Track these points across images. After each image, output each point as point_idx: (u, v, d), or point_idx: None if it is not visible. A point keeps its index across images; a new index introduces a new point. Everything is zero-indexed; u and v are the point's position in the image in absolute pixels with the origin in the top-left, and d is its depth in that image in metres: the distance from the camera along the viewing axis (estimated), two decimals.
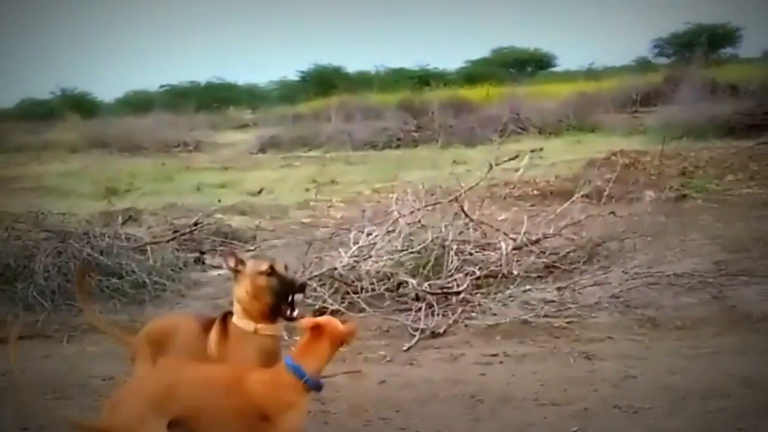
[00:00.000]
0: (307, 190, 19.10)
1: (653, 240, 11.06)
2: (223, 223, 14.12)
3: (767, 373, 6.40)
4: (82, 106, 54.62)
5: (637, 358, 7.02)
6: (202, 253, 12.29)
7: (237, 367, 4.57)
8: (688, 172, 16.62)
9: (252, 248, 12.75)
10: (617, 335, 7.69)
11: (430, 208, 10.79)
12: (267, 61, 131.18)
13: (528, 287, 9.20)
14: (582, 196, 11.72)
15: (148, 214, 15.12)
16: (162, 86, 63.18)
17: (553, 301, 8.73)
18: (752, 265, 9.80)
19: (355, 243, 10.00)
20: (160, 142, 34.38)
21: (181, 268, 11.25)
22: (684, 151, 18.85)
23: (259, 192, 19.36)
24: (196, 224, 13.23)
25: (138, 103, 52.75)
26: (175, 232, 12.73)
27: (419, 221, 10.41)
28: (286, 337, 6.79)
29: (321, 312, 8.84)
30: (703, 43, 45.07)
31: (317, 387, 4.56)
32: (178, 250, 11.93)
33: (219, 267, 11.79)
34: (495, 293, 9.08)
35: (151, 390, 4.24)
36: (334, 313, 8.72)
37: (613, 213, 11.16)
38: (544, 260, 10.15)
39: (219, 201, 17.43)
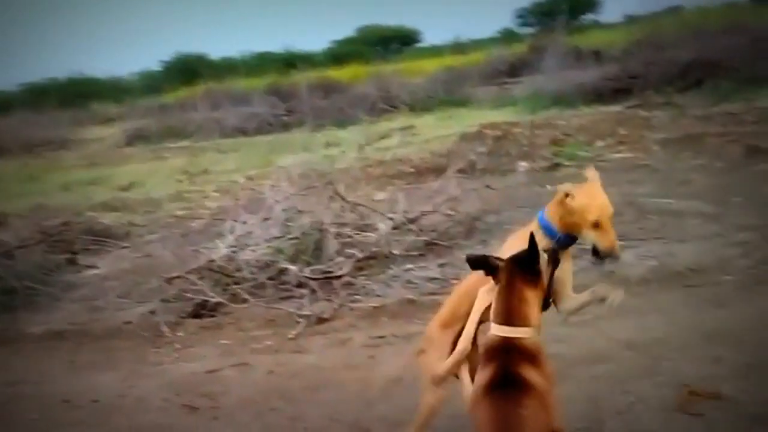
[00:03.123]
0: (180, 181, 18.83)
1: (530, 211, 11.18)
2: (94, 221, 13.75)
3: (648, 335, 6.53)
4: None
5: None
6: (74, 253, 11.96)
7: None
8: (558, 140, 16.81)
9: (127, 245, 12.48)
10: None
11: (304, 192, 10.71)
12: (128, 53, 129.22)
13: (410, 266, 9.20)
14: (456, 171, 11.77)
15: (15, 218, 14.61)
16: (21, 85, 62.11)
17: (436, 279, 8.73)
18: (626, 230, 9.95)
19: (232, 233, 9.86)
20: (23, 142, 33.33)
21: (53, 271, 10.94)
22: (554, 120, 19.07)
23: (130, 187, 18.99)
24: (65, 224, 12.85)
25: None
26: (43, 234, 12.32)
27: (295, 206, 10.32)
28: None
29: (202, 305, 8.73)
30: (564, 11, 45.99)
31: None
32: (48, 252, 11.56)
33: (93, 267, 11.53)
34: (378, 274, 9.06)
35: (439, 315, 4.74)
36: (217, 305, 8.63)
37: (488, 186, 11.23)
38: (424, 238, 10.15)
39: (89, 198, 17.00)
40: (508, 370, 3.61)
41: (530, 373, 3.59)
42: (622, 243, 9.05)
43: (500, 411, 3.50)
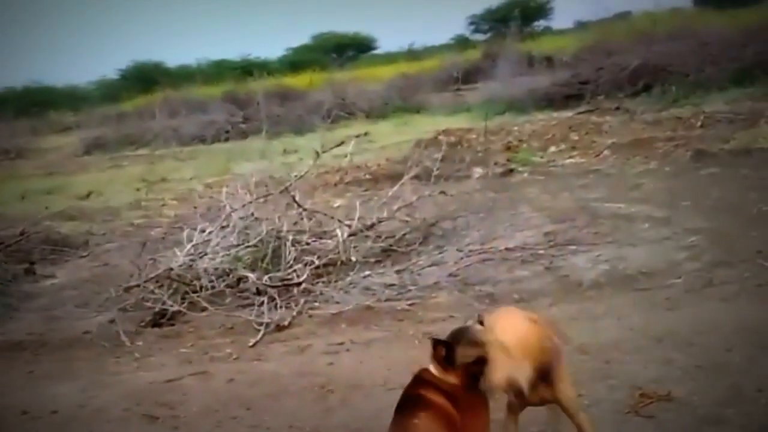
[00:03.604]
0: (138, 189, 18.73)
1: (485, 216, 11.31)
2: (52, 231, 13.68)
3: (601, 339, 6.61)
4: None
5: None
6: (32, 263, 11.91)
7: None
8: (512, 146, 16.99)
9: (85, 254, 12.45)
10: (458, 313, 7.76)
11: (262, 200, 10.74)
12: (85, 61, 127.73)
13: (368, 272, 9.27)
14: (412, 177, 11.87)
15: None
16: None
17: (394, 285, 8.79)
18: (579, 234, 10.10)
19: (190, 241, 9.88)
20: None
21: (10, 281, 10.88)
22: (507, 126, 19.28)
23: (88, 195, 18.85)
24: (22, 234, 12.78)
25: None
26: (0, 243, 12.25)
27: (252, 214, 10.35)
28: None
29: (161, 314, 8.73)
30: (516, 17, 46.32)
31: None
32: (5, 262, 11.50)
33: (51, 276, 11.48)
34: (336, 281, 9.11)
35: None
36: (176, 314, 8.65)
37: (443, 192, 11.34)
38: (381, 244, 10.25)
39: (46, 208, 16.87)
40: (410, 392, 3.82)
41: (432, 395, 3.74)
42: (573, 248, 9.27)
43: (396, 423, 3.73)
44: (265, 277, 9.01)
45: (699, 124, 16.31)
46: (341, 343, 7.40)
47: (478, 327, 3.98)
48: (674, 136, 15.58)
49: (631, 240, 9.63)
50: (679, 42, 24.63)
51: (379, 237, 10.44)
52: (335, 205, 12.48)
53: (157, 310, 8.73)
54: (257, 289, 8.93)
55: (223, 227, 10.16)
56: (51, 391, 7.10)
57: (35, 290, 10.84)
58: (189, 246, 9.73)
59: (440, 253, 9.69)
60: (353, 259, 9.60)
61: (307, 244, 9.97)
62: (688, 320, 6.85)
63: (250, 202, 10.58)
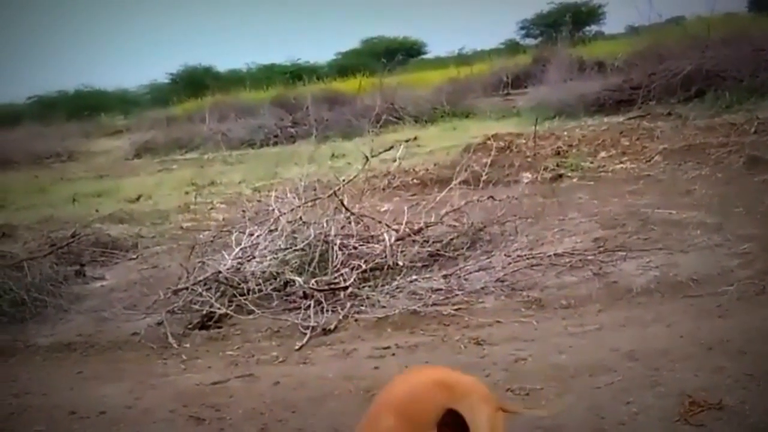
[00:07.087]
0: (187, 193, 18.82)
1: (533, 221, 11.23)
2: (102, 233, 13.78)
3: (650, 346, 6.54)
4: None
5: (525, 340, 7.10)
6: (82, 265, 12.02)
7: None
8: (562, 151, 16.87)
9: (134, 256, 12.54)
10: (505, 318, 7.76)
11: (310, 204, 10.76)
12: (135, 65, 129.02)
13: (414, 277, 9.21)
14: (460, 182, 11.82)
15: (24, 229, 14.73)
16: (29, 98, 61.54)
17: (440, 289, 8.76)
18: (629, 240, 10.01)
19: (238, 244, 9.92)
20: (32, 154, 33.44)
21: (61, 283, 10.95)
22: (557, 131, 19.17)
23: (138, 198, 18.99)
24: (73, 236, 12.89)
25: (5, 117, 51.13)
26: (52, 245, 12.36)
27: (300, 218, 10.36)
28: None
29: (209, 317, 8.75)
30: (568, 22, 46.01)
31: None
32: (56, 264, 11.57)
33: (101, 278, 11.58)
34: (382, 285, 9.07)
35: None
36: (223, 317, 8.68)
37: (491, 197, 11.28)
38: (429, 249, 10.19)
39: (96, 210, 16.99)
40: None
41: None
42: (623, 254, 9.17)
43: None
44: (312, 281, 9.01)
45: (752, 130, 16.05)
46: (387, 348, 7.38)
47: None
48: (727, 142, 15.36)
49: (682, 246, 9.51)
50: (733, 47, 24.24)
51: (427, 242, 10.38)
52: (383, 209, 12.43)
53: (204, 312, 8.76)
54: (304, 292, 8.94)
55: (271, 231, 10.20)
56: (99, 392, 7.14)
57: (85, 292, 10.95)
58: (237, 249, 9.76)
59: (488, 258, 9.62)
60: (400, 263, 9.56)
61: (355, 248, 9.94)
62: (739, 328, 6.74)
63: (299, 206, 10.60)
